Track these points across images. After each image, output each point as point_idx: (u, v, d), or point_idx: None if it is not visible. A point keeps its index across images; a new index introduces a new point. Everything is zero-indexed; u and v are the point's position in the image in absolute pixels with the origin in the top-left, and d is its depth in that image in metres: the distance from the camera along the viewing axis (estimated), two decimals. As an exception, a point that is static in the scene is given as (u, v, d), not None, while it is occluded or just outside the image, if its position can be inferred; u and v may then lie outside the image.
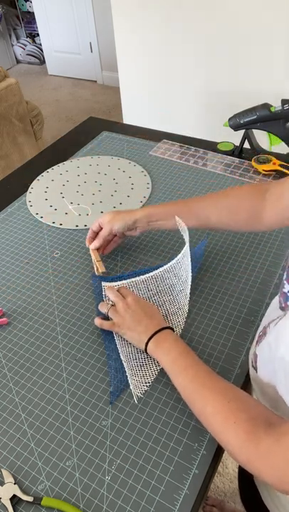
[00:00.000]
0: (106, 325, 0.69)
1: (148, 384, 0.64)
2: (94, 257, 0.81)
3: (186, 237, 0.72)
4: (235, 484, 1.31)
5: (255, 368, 0.58)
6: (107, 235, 0.80)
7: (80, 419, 0.61)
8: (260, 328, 0.60)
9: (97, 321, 0.71)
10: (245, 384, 0.64)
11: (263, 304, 0.75)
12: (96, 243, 0.80)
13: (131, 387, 0.63)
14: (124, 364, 0.66)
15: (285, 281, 0.54)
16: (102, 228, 0.81)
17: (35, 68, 4.32)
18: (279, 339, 0.48)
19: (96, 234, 0.82)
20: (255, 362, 0.57)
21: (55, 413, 0.62)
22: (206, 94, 1.82)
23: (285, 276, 0.54)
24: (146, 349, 0.63)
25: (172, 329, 0.65)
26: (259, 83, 1.64)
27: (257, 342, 0.58)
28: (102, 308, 0.71)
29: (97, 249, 0.81)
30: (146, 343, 0.63)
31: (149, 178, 1.08)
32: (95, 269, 0.81)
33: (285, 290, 0.54)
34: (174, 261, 0.76)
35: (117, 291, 0.72)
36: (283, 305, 0.55)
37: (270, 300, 0.75)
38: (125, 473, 0.55)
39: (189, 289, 0.75)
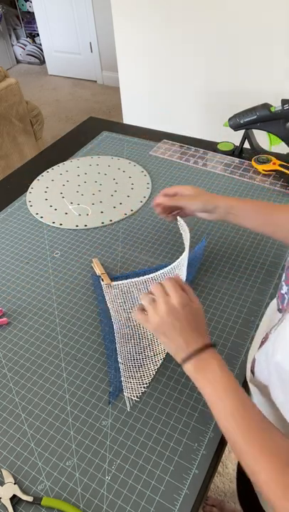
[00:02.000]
0: (140, 318, 0.60)
1: (146, 385, 0.64)
2: (98, 269, 0.81)
3: (187, 239, 0.72)
4: (235, 484, 1.31)
5: (253, 372, 0.58)
6: (176, 206, 0.77)
7: (80, 419, 0.61)
8: (262, 334, 0.59)
9: (136, 315, 0.61)
10: (245, 384, 0.64)
11: (263, 303, 0.75)
12: (160, 210, 0.79)
13: (125, 393, 0.63)
14: (121, 366, 0.66)
15: (283, 283, 0.54)
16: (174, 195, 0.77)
17: (35, 68, 4.32)
18: (276, 344, 0.48)
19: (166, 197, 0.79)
20: (254, 366, 0.57)
21: (55, 413, 0.62)
22: (206, 94, 1.82)
23: (283, 277, 0.54)
24: (181, 365, 0.56)
25: (215, 346, 0.56)
26: (259, 83, 1.64)
27: (259, 348, 0.58)
28: (143, 298, 0.60)
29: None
30: (184, 361, 0.55)
31: (149, 178, 1.08)
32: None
33: (283, 291, 0.54)
34: (175, 263, 0.76)
35: (161, 284, 0.60)
36: (280, 307, 0.55)
37: (271, 300, 0.75)
38: (125, 473, 0.55)
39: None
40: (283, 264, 0.82)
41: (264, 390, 0.54)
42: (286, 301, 0.55)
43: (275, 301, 0.58)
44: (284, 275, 0.53)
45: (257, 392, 0.58)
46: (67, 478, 0.55)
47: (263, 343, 0.56)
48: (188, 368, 0.54)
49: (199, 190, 0.77)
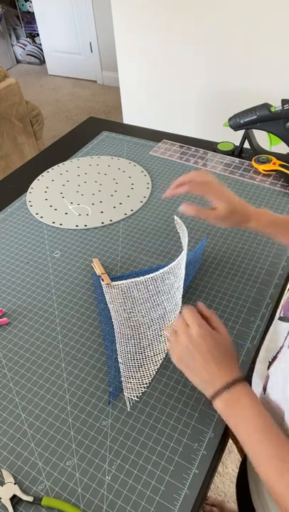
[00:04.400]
0: (168, 344, 0.59)
1: (146, 385, 0.64)
2: (98, 269, 0.81)
3: (185, 239, 0.72)
4: (235, 484, 1.31)
5: (265, 389, 0.56)
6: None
7: (80, 419, 0.61)
8: (273, 346, 0.57)
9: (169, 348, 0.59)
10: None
11: (263, 303, 0.75)
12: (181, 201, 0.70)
13: (125, 393, 0.63)
14: (121, 366, 0.66)
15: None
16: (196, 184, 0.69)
17: (35, 68, 4.32)
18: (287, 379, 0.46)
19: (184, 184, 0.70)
20: (266, 383, 0.55)
21: (55, 413, 0.62)
22: (206, 94, 1.82)
23: None
24: (211, 401, 0.52)
25: (246, 379, 0.53)
26: (259, 83, 1.64)
27: (269, 366, 0.56)
28: (167, 330, 0.61)
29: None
30: (212, 398, 0.52)
31: (149, 178, 1.08)
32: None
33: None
34: (174, 262, 0.76)
35: (183, 316, 0.58)
36: (283, 315, 0.55)
37: (271, 300, 0.75)
38: (125, 473, 0.55)
39: (182, 283, 0.75)
40: (283, 264, 0.82)
41: (276, 411, 0.51)
42: None
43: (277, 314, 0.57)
44: None
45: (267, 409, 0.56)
46: (67, 478, 0.55)
47: (275, 357, 0.54)
48: (218, 406, 0.51)
49: (232, 196, 0.69)
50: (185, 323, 0.56)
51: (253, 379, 0.61)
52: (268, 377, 0.55)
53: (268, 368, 0.56)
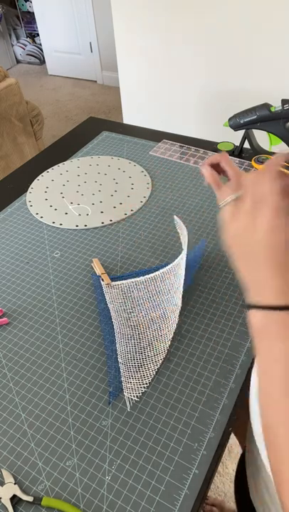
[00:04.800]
0: (223, 192, 0.43)
1: (146, 385, 0.64)
2: (98, 269, 0.81)
3: (185, 240, 0.72)
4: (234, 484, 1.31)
5: None
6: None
7: (80, 419, 0.61)
8: None
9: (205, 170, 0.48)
10: (245, 384, 0.64)
11: (263, 303, 0.75)
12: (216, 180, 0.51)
13: (125, 393, 0.63)
14: (121, 366, 0.66)
15: None
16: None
17: (35, 68, 4.32)
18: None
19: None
20: None
21: (55, 413, 0.62)
22: (206, 94, 1.82)
23: None
24: (248, 310, 0.39)
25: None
26: (259, 83, 1.64)
27: None
28: (225, 193, 0.44)
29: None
30: (254, 307, 0.38)
31: (149, 178, 1.08)
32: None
33: None
34: (174, 262, 0.76)
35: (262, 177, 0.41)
36: None
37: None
38: (125, 473, 0.55)
39: (182, 283, 0.75)
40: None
41: None
42: None
43: None
44: None
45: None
46: (67, 478, 0.55)
47: None
48: (256, 323, 0.38)
49: None
50: (258, 193, 0.39)
51: (252, 375, 0.62)
52: None
53: None
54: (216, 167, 0.55)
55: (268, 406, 0.36)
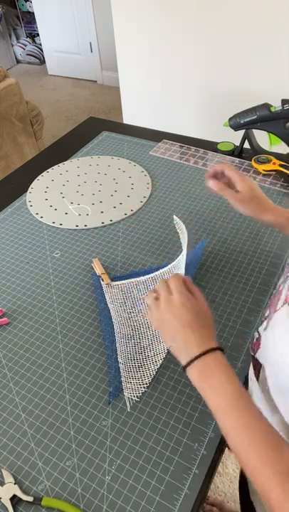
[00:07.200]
0: (148, 314, 0.59)
1: (146, 385, 0.64)
2: (98, 269, 0.81)
3: (184, 239, 0.72)
4: (235, 484, 1.31)
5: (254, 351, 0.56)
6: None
7: (80, 419, 0.61)
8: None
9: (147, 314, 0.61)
10: (245, 384, 0.64)
11: (263, 303, 0.75)
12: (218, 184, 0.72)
13: (125, 393, 0.63)
14: (121, 366, 0.66)
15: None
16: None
17: (35, 68, 4.32)
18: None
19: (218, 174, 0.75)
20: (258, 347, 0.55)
21: (55, 413, 0.62)
22: (206, 94, 1.82)
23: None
24: (184, 369, 0.52)
25: (222, 350, 0.52)
26: (259, 83, 1.64)
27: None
28: (148, 297, 0.60)
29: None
30: (186, 365, 0.51)
31: (149, 178, 1.08)
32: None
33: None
34: (174, 262, 0.76)
35: (165, 281, 0.59)
36: None
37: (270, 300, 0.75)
38: (125, 473, 0.55)
39: None
40: (283, 265, 0.82)
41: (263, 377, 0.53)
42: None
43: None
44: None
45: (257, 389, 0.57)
46: (67, 478, 0.55)
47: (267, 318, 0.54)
48: (191, 375, 0.50)
49: (254, 196, 0.71)
50: (167, 290, 0.57)
51: (249, 371, 0.62)
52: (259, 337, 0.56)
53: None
54: (219, 174, 0.74)
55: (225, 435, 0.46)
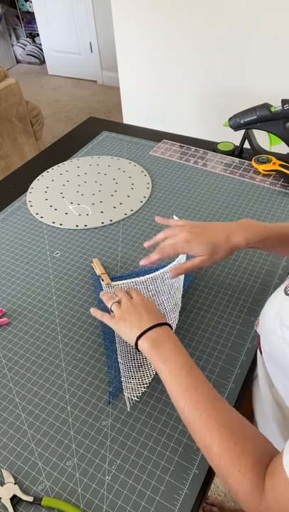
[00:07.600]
0: (106, 318, 0.65)
1: (146, 385, 0.64)
2: (98, 269, 0.81)
3: None
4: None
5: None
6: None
7: (80, 419, 0.61)
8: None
9: (95, 312, 0.67)
10: (245, 384, 0.64)
11: (263, 303, 0.75)
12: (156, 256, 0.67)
13: (125, 393, 0.63)
14: (121, 366, 0.66)
15: None
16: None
17: (35, 68, 4.32)
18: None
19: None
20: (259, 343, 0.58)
21: (55, 413, 0.62)
22: (206, 94, 1.82)
23: None
24: (136, 345, 0.58)
25: (170, 326, 0.59)
26: (259, 83, 1.64)
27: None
28: (107, 302, 0.66)
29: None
30: (138, 338, 0.57)
31: (149, 178, 1.08)
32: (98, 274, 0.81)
33: None
34: (174, 262, 0.76)
35: (126, 291, 0.67)
36: None
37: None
38: (125, 473, 0.55)
39: (182, 283, 0.75)
40: (283, 264, 0.82)
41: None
42: None
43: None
44: None
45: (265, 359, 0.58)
46: (67, 478, 0.55)
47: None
48: (142, 346, 0.57)
49: (201, 231, 0.66)
50: (127, 296, 0.66)
51: (258, 372, 0.62)
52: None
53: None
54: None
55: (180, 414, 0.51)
